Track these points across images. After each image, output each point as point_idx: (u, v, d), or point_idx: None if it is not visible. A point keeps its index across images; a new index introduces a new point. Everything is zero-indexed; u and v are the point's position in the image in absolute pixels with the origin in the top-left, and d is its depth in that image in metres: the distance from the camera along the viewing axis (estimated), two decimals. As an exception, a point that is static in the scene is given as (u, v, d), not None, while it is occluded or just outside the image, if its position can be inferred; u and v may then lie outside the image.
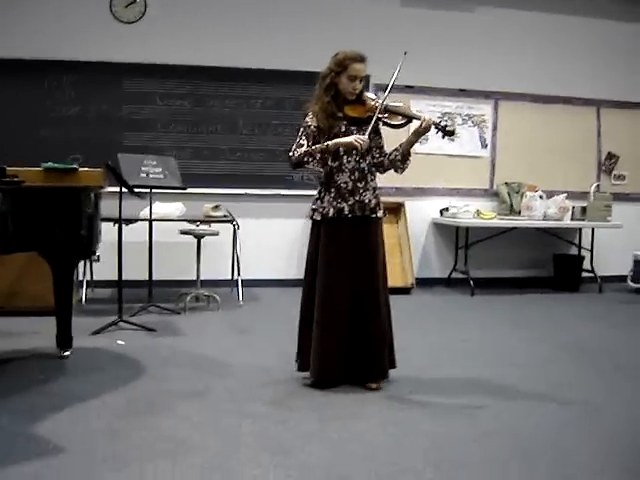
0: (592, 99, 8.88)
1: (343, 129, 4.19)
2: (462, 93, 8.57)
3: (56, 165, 5.53)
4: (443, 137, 4.21)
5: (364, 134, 4.09)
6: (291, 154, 4.19)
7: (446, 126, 4.13)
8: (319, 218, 4.25)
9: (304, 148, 4.16)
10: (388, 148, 4.38)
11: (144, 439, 3.39)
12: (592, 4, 8.71)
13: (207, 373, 4.57)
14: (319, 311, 4.21)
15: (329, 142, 4.12)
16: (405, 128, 4.33)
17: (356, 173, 4.22)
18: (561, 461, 3.23)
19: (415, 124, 4.20)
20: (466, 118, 8.60)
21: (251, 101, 7.98)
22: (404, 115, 4.23)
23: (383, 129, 4.36)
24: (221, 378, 4.46)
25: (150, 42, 7.61)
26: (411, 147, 4.28)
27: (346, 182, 4.20)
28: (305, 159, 4.15)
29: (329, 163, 4.21)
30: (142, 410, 3.81)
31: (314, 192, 4.40)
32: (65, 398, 3.94)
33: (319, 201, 4.27)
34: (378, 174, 4.40)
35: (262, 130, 8.02)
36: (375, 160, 4.35)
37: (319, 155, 4.13)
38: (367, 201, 4.23)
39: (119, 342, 5.32)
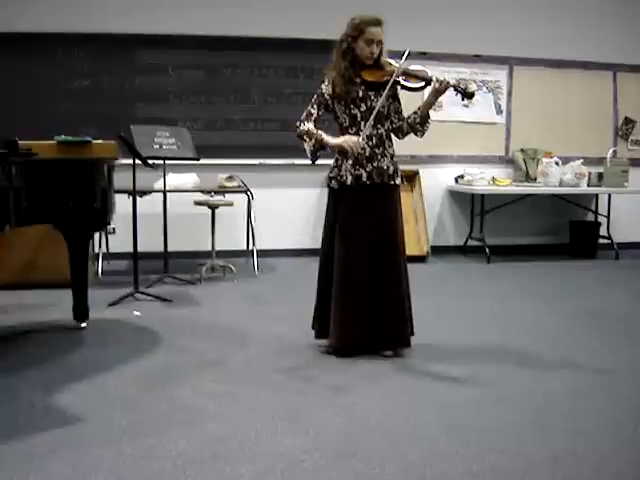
0: (608, 63, 8.76)
1: (360, 94, 4.15)
2: (477, 59, 8.48)
3: (69, 138, 5.53)
4: (463, 99, 4.13)
5: (379, 98, 4.06)
6: (298, 123, 4.16)
7: (466, 88, 4.06)
8: (337, 186, 4.23)
9: (310, 124, 4.12)
10: (406, 114, 4.34)
11: (161, 409, 3.41)
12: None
13: (223, 343, 4.59)
14: (338, 279, 4.20)
15: (325, 138, 4.08)
16: (423, 93, 4.29)
17: (374, 139, 4.18)
18: (576, 426, 3.23)
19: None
20: (481, 84, 8.51)
21: (263, 70, 7.95)
22: (422, 78, 4.17)
23: (402, 93, 4.31)
24: (237, 348, 4.48)
25: (161, 13, 7.57)
26: (430, 108, 4.23)
27: (364, 148, 4.15)
28: (304, 137, 4.12)
29: (316, 155, 4.18)
30: (159, 380, 3.84)
31: (329, 161, 4.37)
32: (82, 369, 3.98)
33: (336, 169, 4.24)
34: (396, 140, 4.36)
35: (275, 99, 7.98)
36: (394, 125, 4.31)
37: (313, 141, 4.09)
38: (385, 167, 4.20)
39: (136, 313, 5.35)
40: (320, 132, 4.12)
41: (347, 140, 4.02)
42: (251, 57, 7.89)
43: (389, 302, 4.22)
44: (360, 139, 4.02)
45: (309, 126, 4.12)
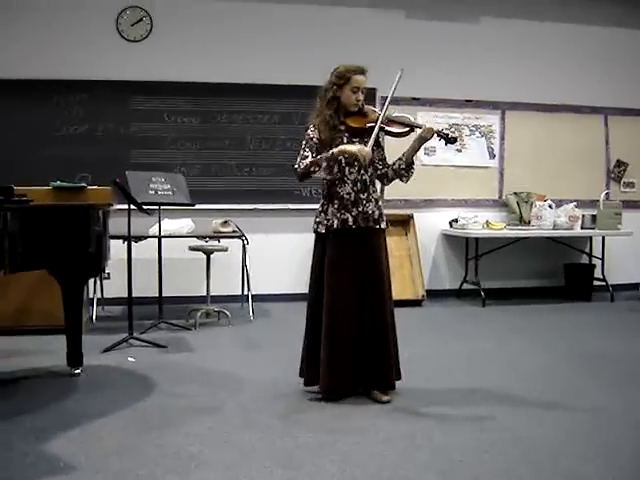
0: (599, 107, 8.87)
1: (345, 141, 4.22)
2: (469, 104, 8.56)
3: (65, 184, 5.55)
4: (446, 144, 4.26)
5: (367, 145, 4.11)
6: (296, 166, 4.21)
7: (448, 134, 4.18)
8: (323, 230, 4.26)
9: (309, 159, 4.17)
10: (390, 160, 4.41)
11: (155, 455, 3.38)
12: (596, 12, 8.71)
13: (218, 389, 4.56)
14: (327, 324, 4.20)
15: (334, 150, 4.12)
16: (408, 138, 4.34)
17: (358, 184, 4.24)
18: (571, 470, 3.20)
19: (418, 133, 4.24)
20: (473, 129, 8.59)
21: (258, 116, 8.01)
22: (406, 124, 4.26)
23: (387, 140, 4.37)
24: (232, 393, 4.45)
25: (157, 60, 7.67)
26: (414, 154, 4.30)
27: (349, 193, 4.22)
28: (312, 169, 4.15)
29: (334, 172, 4.22)
30: (153, 426, 3.81)
31: (317, 206, 4.41)
32: (76, 416, 3.94)
33: (323, 214, 4.29)
34: (384, 186, 4.40)
35: (270, 145, 8.04)
36: (379, 172, 4.38)
37: (325, 163, 4.14)
38: (370, 212, 4.25)
39: (130, 359, 5.32)
40: (322, 154, 4.15)
41: (361, 149, 4.05)
42: (246, 103, 7.96)
43: (375, 345, 4.24)
44: (368, 149, 4.06)
45: (309, 159, 4.16)
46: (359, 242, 4.24)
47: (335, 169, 4.22)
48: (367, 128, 4.21)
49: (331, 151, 4.13)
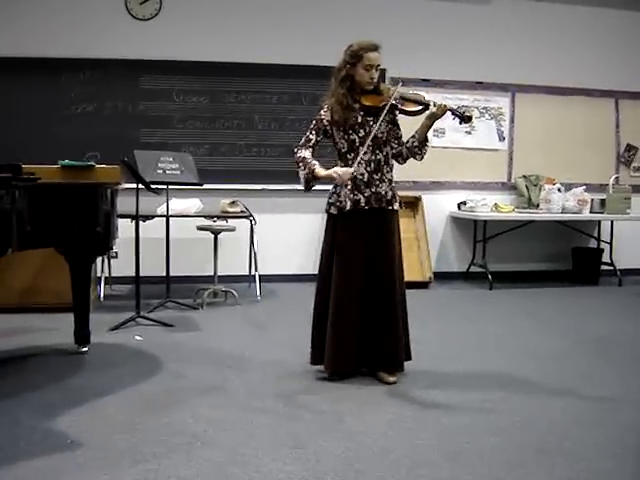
0: (610, 90, 8.81)
1: (359, 120, 4.19)
2: (479, 86, 8.52)
3: (73, 162, 5.54)
4: (460, 123, 4.19)
5: (373, 128, 4.09)
6: (296, 150, 4.22)
7: (463, 112, 4.12)
8: (335, 212, 4.25)
9: (307, 152, 4.18)
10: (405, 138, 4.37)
11: (161, 434, 3.39)
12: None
13: (224, 368, 4.57)
14: (335, 303, 4.20)
15: (316, 169, 4.10)
16: (422, 117, 4.31)
17: (372, 165, 4.21)
18: (578, 454, 3.20)
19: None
20: (483, 111, 8.55)
21: (267, 96, 7.99)
22: (420, 102, 4.21)
23: (400, 118, 4.34)
24: (238, 373, 4.46)
25: (166, 39, 7.63)
26: (427, 131, 4.25)
27: (362, 174, 4.19)
28: (299, 164, 4.18)
29: (309, 186, 4.22)
30: (159, 405, 3.82)
31: (330, 187, 4.39)
32: (83, 393, 3.96)
33: (335, 195, 4.27)
34: (397, 165, 4.37)
35: (278, 125, 8.02)
36: (394, 150, 4.33)
37: (307, 170, 4.13)
38: (383, 193, 4.22)
39: (137, 338, 5.34)
40: (314, 162, 4.15)
41: (336, 170, 4.07)
42: (255, 83, 7.93)
43: (382, 326, 4.23)
44: (352, 169, 4.04)
45: (305, 154, 4.17)
46: (371, 223, 4.22)
47: (310, 185, 4.21)
48: (381, 107, 4.15)
49: (315, 170, 4.10)
